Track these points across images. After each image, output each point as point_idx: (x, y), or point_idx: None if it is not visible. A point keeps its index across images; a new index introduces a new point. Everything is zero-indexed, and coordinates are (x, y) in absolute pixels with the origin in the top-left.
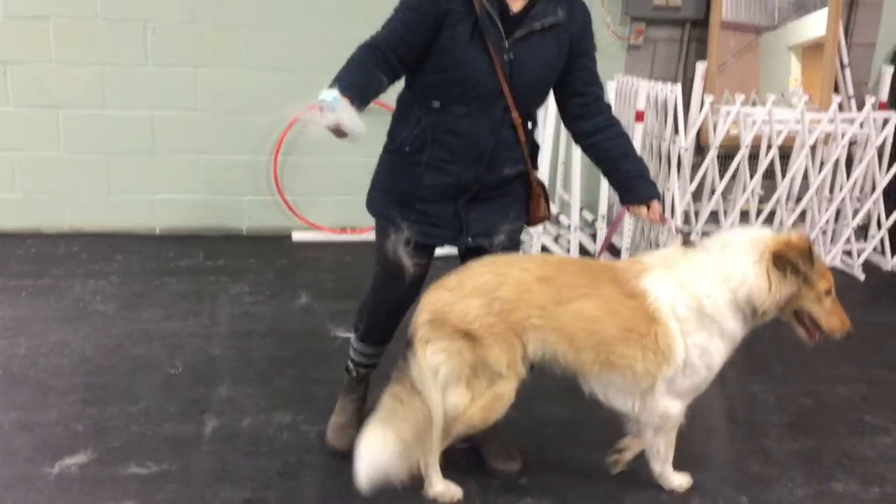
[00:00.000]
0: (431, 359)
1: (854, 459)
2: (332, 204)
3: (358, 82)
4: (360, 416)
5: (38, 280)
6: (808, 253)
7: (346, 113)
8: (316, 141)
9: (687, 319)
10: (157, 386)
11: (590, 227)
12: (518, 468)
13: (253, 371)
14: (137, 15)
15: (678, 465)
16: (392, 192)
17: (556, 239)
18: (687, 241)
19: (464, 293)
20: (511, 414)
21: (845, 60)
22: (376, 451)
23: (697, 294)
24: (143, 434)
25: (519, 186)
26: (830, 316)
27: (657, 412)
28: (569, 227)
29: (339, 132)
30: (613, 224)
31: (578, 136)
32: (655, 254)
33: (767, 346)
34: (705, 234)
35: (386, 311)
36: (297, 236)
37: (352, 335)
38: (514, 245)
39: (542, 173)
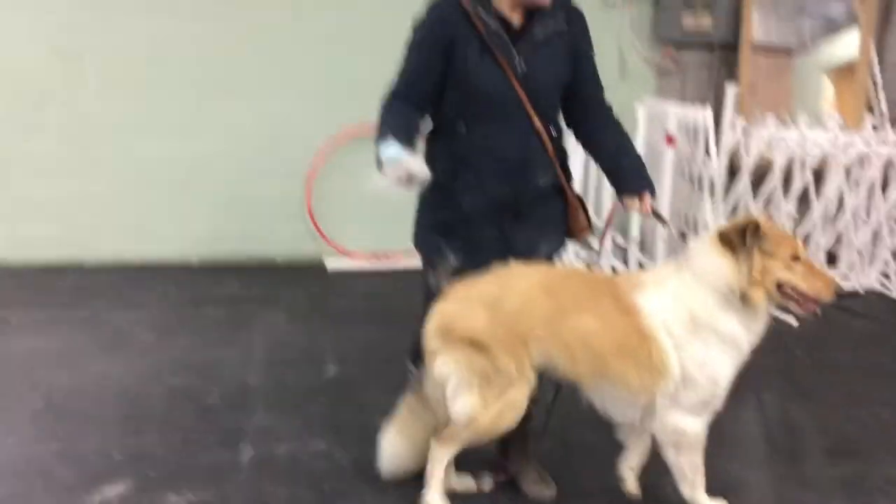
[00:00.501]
0: (442, 369)
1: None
2: (365, 230)
3: (402, 127)
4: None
5: (78, 312)
6: (745, 227)
7: (409, 160)
8: (392, 195)
9: (680, 334)
10: (194, 414)
11: (622, 252)
12: (553, 494)
13: (288, 399)
14: (180, 54)
15: (715, 490)
16: (434, 223)
17: (589, 265)
18: (684, 239)
19: (470, 304)
20: (543, 441)
21: (878, 80)
22: (392, 454)
23: (688, 304)
24: (180, 463)
25: (557, 201)
26: (808, 278)
27: (669, 428)
28: (600, 251)
29: (409, 181)
30: (607, 219)
31: (579, 136)
32: (653, 270)
33: (807, 369)
34: None
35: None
36: (331, 264)
37: (409, 364)
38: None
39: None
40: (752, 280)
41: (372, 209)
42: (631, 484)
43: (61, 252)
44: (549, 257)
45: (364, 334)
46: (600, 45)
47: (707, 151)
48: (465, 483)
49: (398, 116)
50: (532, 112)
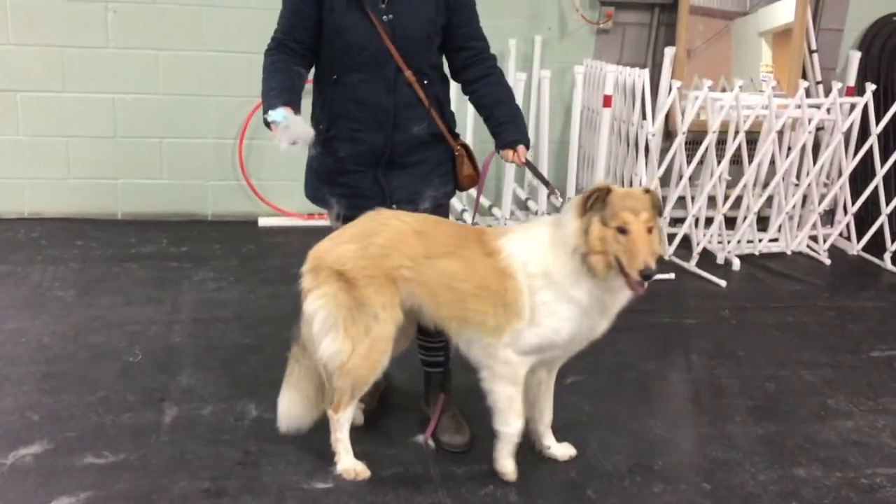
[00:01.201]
0: (311, 305)
1: (817, 444)
2: (299, 188)
3: (285, 87)
4: (378, 386)
5: None
6: (594, 191)
7: (292, 123)
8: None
9: (536, 276)
10: (115, 374)
11: (558, 212)
12: (465, 442)
13: (215, 359)
14: None
15: (640, 449)
16: (318, 171)
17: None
18: (553, 195)
19: (342, 240)
20: (476, 402)
21: (814, 46)
22: (286, 410)
23: (545, 256)
24: (100, 423)
25: (438, 150)
26: (627, 254)
27: (498, 358)
28: (536, 212)
29: (296, 141)
30: (482, 169)
31: (462, 86)
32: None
33: (733, 329)
34: (674, 219)
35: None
36: (264, 222)
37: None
38: (440, 211)
39: (467, 137)
40: (591, 247)
41: (304, 167)
42: (549, 440)
43: None
44: (436, 205)
45: (295, 294)
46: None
47: (643, 114)
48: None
49: (279, 73)
50: (401, 63)
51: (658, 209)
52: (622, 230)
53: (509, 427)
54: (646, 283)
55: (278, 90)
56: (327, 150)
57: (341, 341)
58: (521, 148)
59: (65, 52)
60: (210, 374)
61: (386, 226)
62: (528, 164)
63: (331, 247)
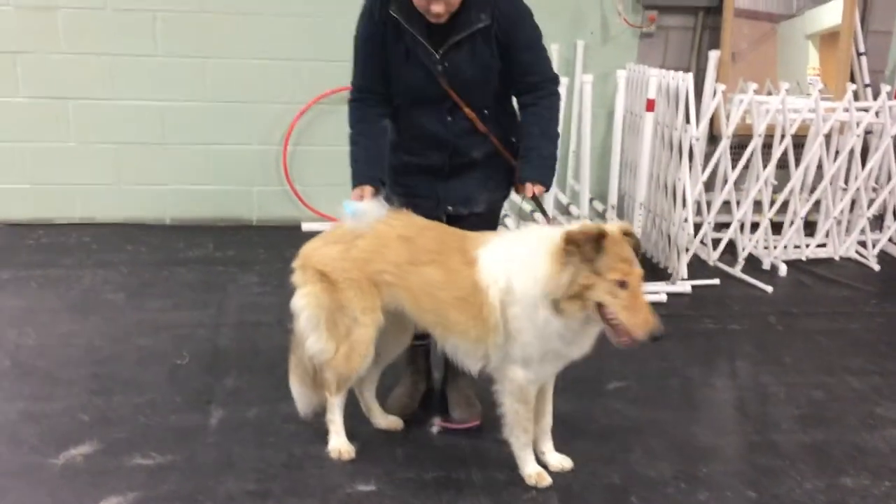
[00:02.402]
0: (297, 302)
1: (865, 453)
2: (342, 193)
3: (370, 156)
4: (420, 388)
5: (48, 270)
6: (593, 237)
7: (362, 215)
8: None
9: (508, 290)
10: (163, 376)
11: (600, 218)
12: (473, 417)
13: (260, 362)
14: (146, 6)
15: (685, 456)
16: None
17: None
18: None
19: (329, 240)
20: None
21: (861, 49)
22: (297, 395)
23: (517, 273)
24: (148, 425)
25: (498, 163)
26: (628, 311)
27: (505, 376)
28: (578, 217)
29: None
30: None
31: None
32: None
33: (779, 336)
34: (719, 224)
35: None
36: (307, 226)
37: None
38: (492, 212)
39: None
40: (571, 293)
41: (349, 172)
42: (545, 445)
43: (31, 210)
44: (490, 209)
45: None
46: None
47: (687, 118)
48: (391, 421)
49: (365, 137)
50: (459, 101)
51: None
52: (622, 284)
53: (517, 440)
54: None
55: (363, 161)
56: (395, 152)
57: (324, 341)
58: (528, 186)
59: (114, 61)
60: (255, 377)
61: (372, 230)
62: (534, 198)
63: (318, 246)
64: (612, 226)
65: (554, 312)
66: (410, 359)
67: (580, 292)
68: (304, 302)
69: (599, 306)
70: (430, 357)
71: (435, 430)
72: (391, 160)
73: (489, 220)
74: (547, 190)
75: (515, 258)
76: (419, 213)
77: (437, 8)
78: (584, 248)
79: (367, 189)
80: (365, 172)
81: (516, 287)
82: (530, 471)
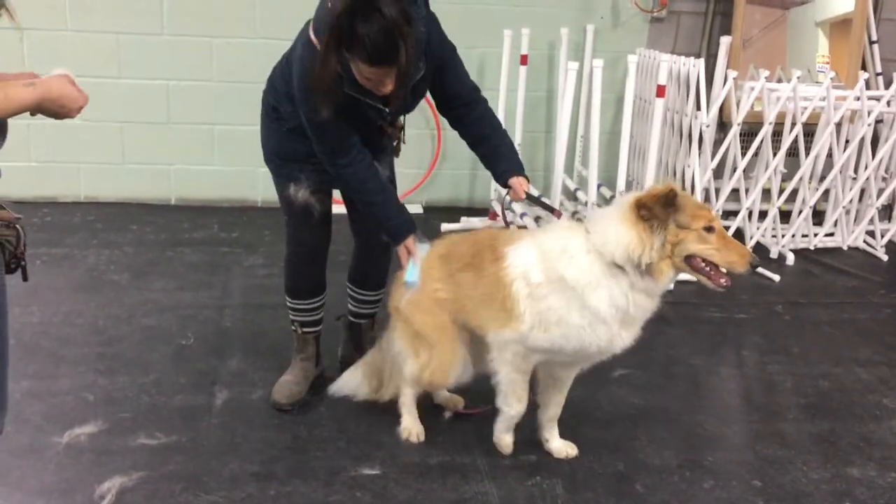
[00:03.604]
0: (392, 341)
1: (871, 443)
2: None
3: (400, 207)
4: (309, 376)
5: (52, 249)
6: (664, 196)
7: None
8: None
9: (541, 284)
10: (168, 357)
11: (608, 203)
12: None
13: (265, 344)
14: None
15: (691, 445)
16: (290, 154)
17: (574, 215)
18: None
19: (400, 281)
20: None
21: (874, 36)
22: (349, 378)
23: (559, 264)
24: (153, 405)
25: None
26: (722, 251)
27: (508, 346)
28: (586, 203)
29: None
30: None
31: (457, 129)
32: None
33: (786, 325)
34: (727, 212)
35: (303, 258)
36: None
37: (287, 300)
38: (393, 172)
39: (560, 146)
40: (664, 253)
41: None
42: (550, 433)
43: (35, 188)
44: (390, 170)
45: (343, 280)
46: None
47: (697, 104)
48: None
49: (384, 191)
50: (387, 126)
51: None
52: (709, 229)
53: (510, 408)
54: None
55: (396, 213)
56: (302, 143)
57: (413, 364)
58: (516, 185)
59: (120, 39)
60: (260, 359)
61: (424, 259)
62: (528, 197)
63: (395, 288)
64: (663, 185)
65: (649, 278)
66: (301, 346)
67: (671, 251)
68: (395, 338)
69: (688, 259)
70: (319, 343)
71: (447, 415)
72: (296, 150)
73: None
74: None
75: (551, 250)
76: (329, 188)
77: (386, 88)
78: (657, 209)
79: (412, 239)
80: (403, 222)
81: (562, 276)
82: (503, 436)
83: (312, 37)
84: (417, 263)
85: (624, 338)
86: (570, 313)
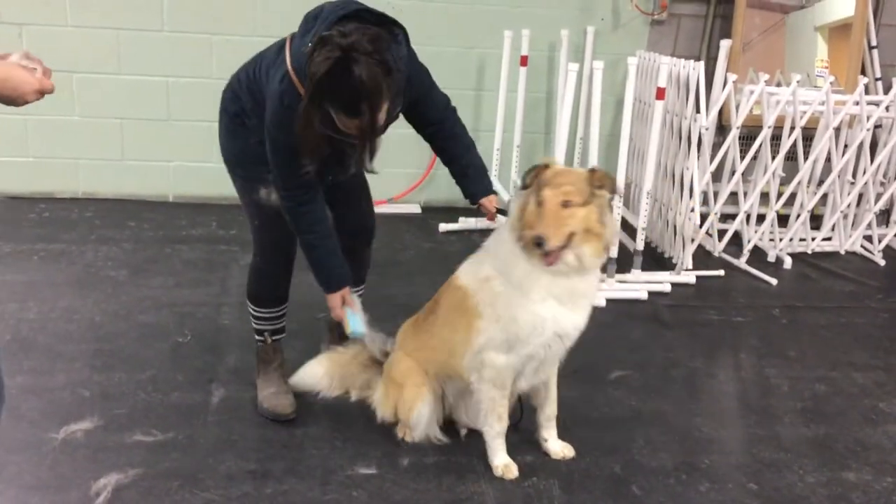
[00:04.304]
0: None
1: (867, 448)
2: None
3: (341, 259)
4: (287, 380)
5: (49, 245)
6: (531, 168)
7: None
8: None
9: (489, 276)
10: (165, 354)
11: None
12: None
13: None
14: None
15: (687, 448)
16: (257, 157)
17: None
18: None
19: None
20: (525, 397)
21: (873, 42)
22: (310, 374)
23: (497, 256)
24: (149, 402)
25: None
26: (535, 223)
27: (485, 362)
28: None
29: None
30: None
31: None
32: None
33: (783, 329)
34: (725, 215)
35: (278, 264)
36: None
37: (249, 306)
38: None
39: (559, 147)
40: (523, 224)
41: None
42: (548, 433)
43: (33, 183)
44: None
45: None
46: None
47: (697, 107)
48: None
49: (327, 237)
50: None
51: (602, 187)
52: (540, 203)
53: (490, 428)
54: (551, 256)
55: (339, 265)
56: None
57: (384, 402)
58: (486, 205)
59: (120, 35)
60: (256, 357)
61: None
62: (499, 211)
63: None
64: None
65: (528, 254)
66: (270, 356)
67: (528, 223)
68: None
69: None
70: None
71: (463, 433)
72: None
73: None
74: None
75: (490, 245)
76: None
77: None
78: (528, 178)
79: (347, 290)
80: (343, 272)
81: (499, 263)
82: (499, 462)
83: (293, 74)
84: (357, 312)
85: (573, 316)
86: (511, 295)
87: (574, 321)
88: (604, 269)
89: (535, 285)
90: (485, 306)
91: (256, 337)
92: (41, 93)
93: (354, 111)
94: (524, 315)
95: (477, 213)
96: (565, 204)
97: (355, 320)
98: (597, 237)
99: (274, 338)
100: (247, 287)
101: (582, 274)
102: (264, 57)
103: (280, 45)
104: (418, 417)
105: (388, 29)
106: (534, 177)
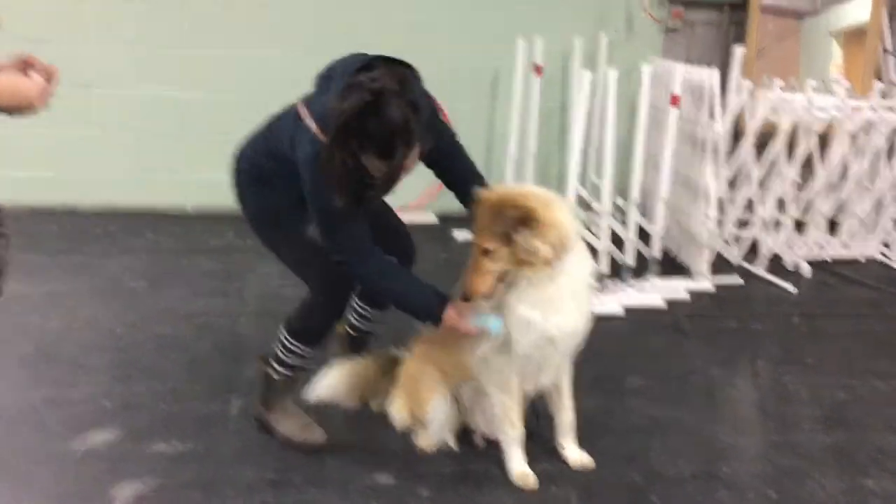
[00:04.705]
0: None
1: (888, 455)
2: None
3: (427, 293)
4: (305, 414)
5: (71, 256)
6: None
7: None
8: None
9: None
10: (184, 365)
11: (621, 213)
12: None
13: (257, 356)
14: None
15: (706, 455)
16: (290, 202)
17: (588, 226)
18: None
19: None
20: (541, 403)
21: (888, 46)
22: (328, 386)
23: None
24: (169, 412)
25: None
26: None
27: (489, 365)
28: (599, 213)
29: None
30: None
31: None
32: None
33: (802, 336)
34: (741, 222)
35: (340, 301)
36: None
37: (291, 341)
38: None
39: (574, 156)
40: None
41: None
42: (566, 440)
43: (54, 196)
44: None
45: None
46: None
47: (712, 114)
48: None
49: (407, 273)
50: None
51: (516, 220)
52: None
53: (506, 435)
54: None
55: (428, 286)
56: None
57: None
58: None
59: (139, 50)
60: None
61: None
62: None
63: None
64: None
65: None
66: (290, 387)
67: None
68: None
69: None
70: None
71: (480, 442)
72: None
73: None
74: None
75: None
76: None
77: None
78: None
79: (453, 302)
80: (437, 294)
81: None
82: (516, 470)
83: (315, 129)
84: (482, 313)
85: (554, 320)
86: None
87: (558, 323)
88: (618, 275)
89: (511, 296)
90: (484, 308)
91: (284, 371)
92: (46, 96)
93: (387, 153)
94: (510, 318)
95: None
96: (485, 252)
97: (489, 322)
98: (530, 264)
99: (299, 373)
100: (293, 324)
101: (548, 282)
102: (276, 126)
103: (292, 112)
104: (434, 413)
105: (407, 67)
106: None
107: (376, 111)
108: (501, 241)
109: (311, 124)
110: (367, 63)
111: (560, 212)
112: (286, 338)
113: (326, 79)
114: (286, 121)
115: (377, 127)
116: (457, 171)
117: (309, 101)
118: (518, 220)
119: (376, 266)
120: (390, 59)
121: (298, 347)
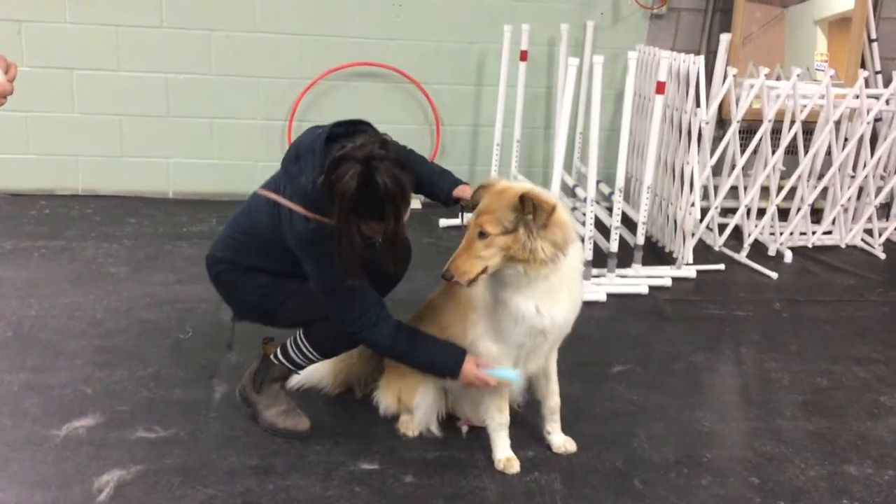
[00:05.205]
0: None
1: (869, 441)
2: None
3: (443, 352)
4: (292, 401)
5: (50, 241)
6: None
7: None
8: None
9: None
10: (166, 350)
11: (606, 201)
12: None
13: (263, 338)
14: None
15: (688, 441)
16: (283, 268)
17: (573, 211)
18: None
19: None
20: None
21: (873, 35)
22: (315, 372)
23: None
24: (151, 398)
25: None
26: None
27: (480, 351)
28: (585, 199)
29: None
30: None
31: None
32: None
33: (785, 323)
34: (725, 209)
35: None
36: None
37: (312, 352)
38: None
39: (559, 142)
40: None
41: None
42: (551, 425)
43: (33, 180)
44: None
45: None
46: None
47: (697, 101)
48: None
49: (419, 333)
50: None
51: (526, 211)
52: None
53: (492, 420)
54: (454, 280)
55: (451, 348)
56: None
57: (387, 389)
58: (458, 191)
59: (119, 32)
60: (258, 353)
61: None
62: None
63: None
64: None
65: None
66: (286, 374)
67: None
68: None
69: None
70: None
71: (464, 430)
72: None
73: None
74: None
75: None
76: None
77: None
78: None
79: (470, 358)
80: (454, 352)
81: None
82: (501, 455)
83: (303, 211)
84: (497, 368)
85: (547, 311)
86: (495, 292)
87: (552, 315)
88: (602, 262)
89: (506, 287)
90: (478, 299)
91: (287, 364)
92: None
93: (384, 216)
94: (503, 309)
95: (460, 211)
96: (482, 234)
97: (504, 375)
98: (523, 261)
99: (301, 369)
100: (317, 333)
101: (547, 275)
102: (243, 217)
103: (260, 202)
104: (421, 400)
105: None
106: (477, 197)
107: (373, 182)
108: (503, 229)
109: (296, 207)
110: (332, 135)
111: (565, 212)
112: (304, 342)
113: (294, 160)
114: (256, 210)
115: (373, 195)
116: (425, 178)
117: (279, 187)
118: (541, 213)
119: (389, 333)
120: (350, 121)
121: (313, 354)
